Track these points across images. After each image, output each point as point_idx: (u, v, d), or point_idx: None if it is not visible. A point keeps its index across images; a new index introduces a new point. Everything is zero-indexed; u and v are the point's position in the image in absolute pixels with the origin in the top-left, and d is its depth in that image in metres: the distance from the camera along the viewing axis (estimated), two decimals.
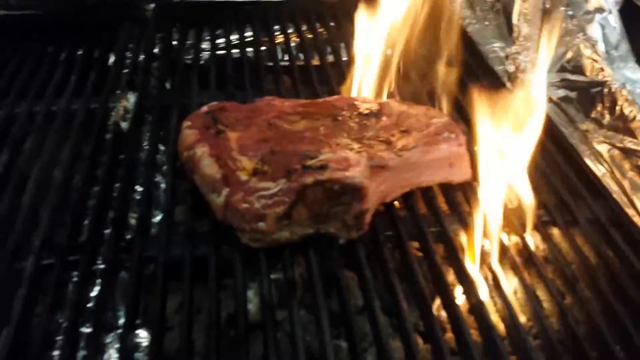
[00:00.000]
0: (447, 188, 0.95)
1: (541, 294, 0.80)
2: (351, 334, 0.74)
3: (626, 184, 0.91)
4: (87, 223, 0.89)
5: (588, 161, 0.98)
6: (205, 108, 1.01)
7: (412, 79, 1.22)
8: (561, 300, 0.78)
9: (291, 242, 0.83)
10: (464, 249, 0.85)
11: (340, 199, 0.82)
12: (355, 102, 1.03)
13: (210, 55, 1.36)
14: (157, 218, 0.98)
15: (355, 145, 0.90)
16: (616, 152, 0.94)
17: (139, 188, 1.01)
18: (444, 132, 0.94)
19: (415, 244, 0.87)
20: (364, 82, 1.18)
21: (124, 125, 1.11)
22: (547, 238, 0.87)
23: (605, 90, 0.96)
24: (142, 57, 1.31)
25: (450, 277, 0.82)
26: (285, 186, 0.81)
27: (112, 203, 0.94)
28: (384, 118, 0.98)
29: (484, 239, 0.86)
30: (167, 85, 1.29)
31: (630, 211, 0.90)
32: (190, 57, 1.37)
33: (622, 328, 0.75)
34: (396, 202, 0.92)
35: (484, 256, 0.84)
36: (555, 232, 0.89)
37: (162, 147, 1.11)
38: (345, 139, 0.92)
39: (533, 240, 0.87)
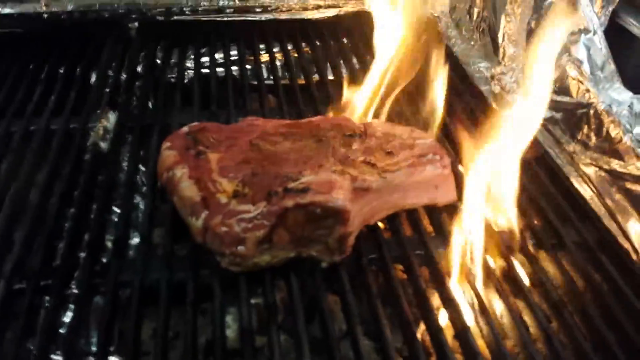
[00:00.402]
0: (433, 210, 0.94)
1: (527, 318, 0.78)
2: None
3: (614, 207, 0.90)
4: (61, 246, 0.87)
5: (575, 183, 0.96)
6: (185, 128, 0.99)
7: (399, 99, 1.20)
8: (548, 325, 0.76)
9: (272, 265, 0.81)
10: (449, 273, 0.83)
11: (322, 223, 0.79)
12: (340, 123, 1.02)
13: (194, 74, 1.34)
14: (135, 240, 0.96)
15: (339, 167, 0.88)
16: (603, 174, 0.93)
17: (116, 210, 0.99)
18: (429, 153, 0.92)
19: (400, 267, 0.85)
20: (350, 103, 1.17)
21: (104, 145, 1.09)
22: (533, 261, 0.86)
23: (592, 111, 0.95)
24: (124, 75, 1.29)
25: (435, 301, 0.80)
26: (266, 209, 0.79)
27: (89, 225, 0.92)
28: (369, 139, 0.97)
29: (469, 262, 0.84)
30: (150, 105, 1.27)
31: (618, 234, 0.88)
32: (173, 75, 1.35)
33: (610, 354, 0.73)
34: (381, 224, 0.90)
35: (470, 280, 0.82)
36: (542, 255, 0.88)
37: (142, 168, 1.09)
38: (328, 161, 0.90)
39: (519, 263, 0.85)
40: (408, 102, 1.21)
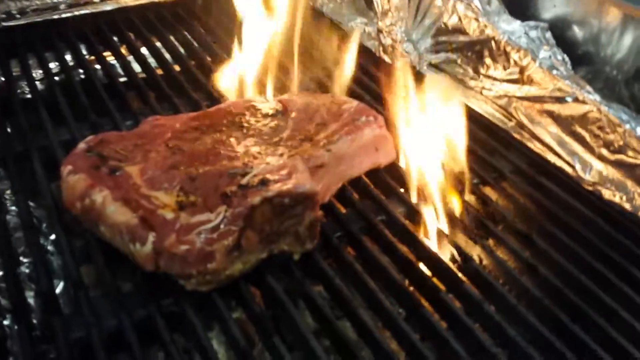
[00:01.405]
0: (374, 174, 0.91)
1: (503, 254, 0.80)
2: (347, 347, 0.67)
3: (536, 129, 0.95)
4: None
5: (491, 118, 1.00)
6: (82, 145, 0.85)
7: (291, 70, 1.15)
8: (524, 255, 0.78)
9: (244, 273, 0.73)
10: (417, 231, 0.82)
11: (290, 212, 0.73)
12: (253, 104, 0.94)
13: (48, 83, 1.15)
14: (60, 288, 0.81)
15: (281, 150, 0.81)
16: (519, 102, 0.97)
17: (24, 259, 0.82)
18: (361, 116, 0.89)
19: (370, 237, 0.81)
20: (245, 81, 1.09)
21: None
22: (485, 198, 0.88)
23: (493, 44, 0.98)
24: None
25: (417, 261, 0.78)
26: (229, 213, 0.70)
27: None
28: (293, 114, 0.91)
29: (432, 215, 0.83)
30: (8, 129, 1.07)
31: (548, 155, 0.94)
32: (24, 90, 1.15)
33: (583, 262, 0.77)
34: (333, 201, 0.86)
35: (440, 232, 0.81)
36: (489, 191, 0.90)
37: (32, 204, 0.91)
38: (264, 146, 0.83)
39: (474, 204, 0.87)
40: (300, 69, 1.16)
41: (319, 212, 0.75)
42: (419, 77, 1.12)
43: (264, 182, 0.72)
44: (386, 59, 1.17)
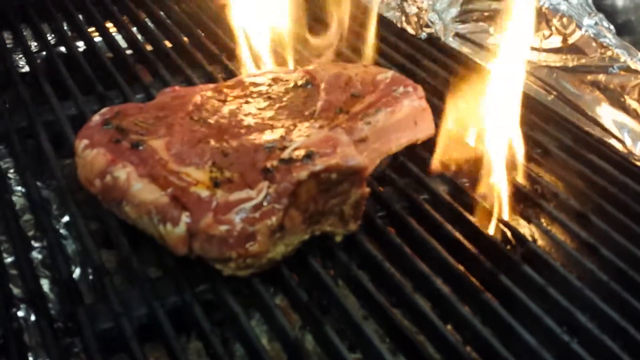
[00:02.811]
0: (410, 150, 0.85)
1: (558, 233, 0.75)
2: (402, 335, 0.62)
3: (580, 102, 0.89)
4: None
5: (528, 90, 0.94)
6: (97, 118, 0.77)
7: (309, 42, 1.08)
8: (582, 235, 0.73)
9: (286, 257, 0.67)
10: (465, 210, 0.76)
11: (336, 189, 0.67)
12: (277, 75, 0.87)
13: (48, 55, 1.07)
14: (76, 275, 0.74)
15: (320, 122, 0.75)
16: (561, 73, 0.91)
17: (35, 244, 0.75)
18: (398, 87, 0.83)
19: (415, 217, 0.75)
20: (261, 53, 1.02)
21: None
22: (532, 175, 0.82)
23: None
24: None
25: (469, 242, 0.72)
26: (272, 190, 0.64)
27: (7, 274, 0.68)
28: (323, 85, 0.84)
29: (479, 194, 0.78)
30: (7, 105, 0.98)
31: (592, 128, 0.88)
32: (21, 63, 1.07)
33: None
34: (370, 180, 0.79)
35: (488, 211, 0.76)
36: (534, 167, 0.84)
37: (39, 184, 0.84)
38: (298, 118, 0.77)
39: (521, 181, 0.81)
40: (318, 41, 1.09)
41: (366, 189, 0.69)
42: (445, 48, 1.07)
43: (309, 156, 0.65)
44: (409, 29, 1.11)
